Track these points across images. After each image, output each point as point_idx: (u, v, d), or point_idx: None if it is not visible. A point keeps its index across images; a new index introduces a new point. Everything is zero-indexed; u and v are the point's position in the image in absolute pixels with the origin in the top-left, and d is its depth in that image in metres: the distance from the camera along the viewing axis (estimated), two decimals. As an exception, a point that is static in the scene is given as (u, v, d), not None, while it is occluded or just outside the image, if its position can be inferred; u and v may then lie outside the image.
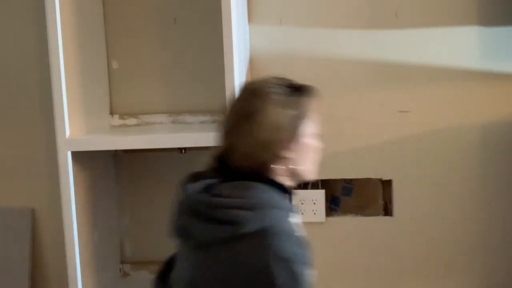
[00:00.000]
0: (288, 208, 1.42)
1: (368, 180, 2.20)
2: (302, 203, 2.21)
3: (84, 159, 1.98)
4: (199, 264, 1.38)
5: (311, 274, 1.36)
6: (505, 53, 2.10)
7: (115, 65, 2.24)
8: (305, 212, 2.21)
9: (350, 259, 2.22)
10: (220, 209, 1.33)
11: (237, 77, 1.84)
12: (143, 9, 2.20)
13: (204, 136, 1.86)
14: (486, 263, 2.17)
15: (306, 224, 2.22)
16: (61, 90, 1.89)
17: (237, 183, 1.36)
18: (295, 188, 1.47)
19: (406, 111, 2.15)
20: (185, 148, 2.07)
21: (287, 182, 1.43)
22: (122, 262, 2.31)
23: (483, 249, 2.17)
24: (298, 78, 2.18)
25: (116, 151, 2.23)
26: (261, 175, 1.38)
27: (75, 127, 1.95)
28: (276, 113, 1.36)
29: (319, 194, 2.21)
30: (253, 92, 1.41)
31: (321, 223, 2.22)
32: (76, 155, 1.92)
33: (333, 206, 2.23)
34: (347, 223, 2.22)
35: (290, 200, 1.46)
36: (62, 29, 1.87)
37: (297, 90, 1.42)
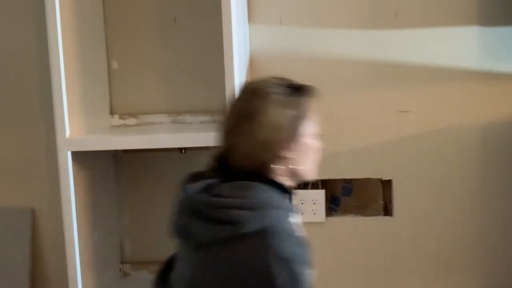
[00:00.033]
0: (288, 208, 1.42)
1: (368, 180, 2.20)
2: (302, 203, 2.21)
3: (84, 159, 1.98)
4: (199, 264, 1.38)
5: (311, 274, 1.35)
6: (505, 53, 2.10)
7: (115, 65, 2.24)
8: (305, 212, 2.21)
9: (350, 259, 2.22)
10: (220, 209, 1.33)
11: (237, 77, 1.84)
12: (143, 9, 2.20)
13: (204, 136, 1.86)
14: (486, 263, 2.17)
15: (306, 224, 2.22)
16: (61, 90, 1.89)
17: (237, 183, 1.36)
18: (295, 188, 1.47)
19: (406, 111, 2.15)
20: (185, 148, 2.07)
21: (287, 182, 1.43)
22: (122, 262, 2.31)
23: (483, 249, 2.17)
24: (298, 78, 2.18)
25: (116, 151, 2.23)
26: (261, 175, 1.38)
27: (75, 127, 1.95)
28: (276, 113, 1.36)
29: (319, 194, 2.21)
30: (253, 92, 1.41)
31: (321, 223, 2.22)
32: (76, 155, 1.92)
33: (333, 206, 2.23)
34: (347, 223, 2.22)
35: (290, 200, 1.46)
36: (62, 29, 1.87)
37: (297, 90, 1.42)
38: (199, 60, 2.18)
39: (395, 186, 2.18)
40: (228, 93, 1.79)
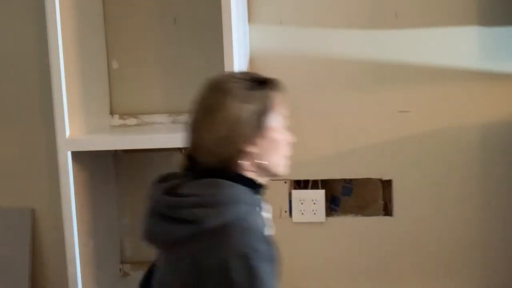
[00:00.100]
0: (256, 203, 1.40)
1: (368, 180, 2.20)
2: (302, 203, 2.21)
3: (84, 159, 1.98)
4: (166, 265, 1.39)
5: (274, 272, 1.34)
6: (505, 53, 2.10)
7: (115, 65, 2.24)
8: (305, 212, 2.21)
9: (350, 259, 2.22)
10: (180, 208, 1.33)
11: (237, 77, 1.84)
12: (143, 9, 2.20)
13: (204, 136, 1.86)
14: (486, 263, 2.17)
15: (306, 224, 2.24)
16: (61, 90, 1.88)
17: (204, 180, 1.36)
18: (266, 183, 1.46)
19: (406, 111, 2.15)
20: (185, 148, 2.07)
21: (257, 177, 1.41)
22: (122, 262, 2.31)
23: (483, 249, 2.17)
24: (298, 78, 2.19)
25: (116, 151, 2.23)
26: (227, 171, 1.37)
27: (75, 127, 1.95)
28: (236, 107, 1.35)
29: (319, 194, 2.21)
30: (215, 87, 1.40)
31: (321, 223, 2.22)
32: (76, 155, 1.92)
33: (333, 206, 2.23)
34: (347, 223, 2.22)
35: (260, 194, 1.44)
36: (62, 29, 1.87)
37: (260, 84, 1.40)
38: (199, 60, 2.18)
39: (395, 186, 2.18)
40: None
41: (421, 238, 2.19)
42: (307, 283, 2.25)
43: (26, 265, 2.26)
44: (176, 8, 2.19)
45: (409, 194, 2.18)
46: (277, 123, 1.40)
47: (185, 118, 2.18)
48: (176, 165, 1.43)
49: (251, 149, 1.36)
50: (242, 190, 1.37)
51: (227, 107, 1.35)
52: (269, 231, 1.42)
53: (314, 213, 2.21)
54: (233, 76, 1.43)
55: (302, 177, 2.22)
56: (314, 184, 2.22)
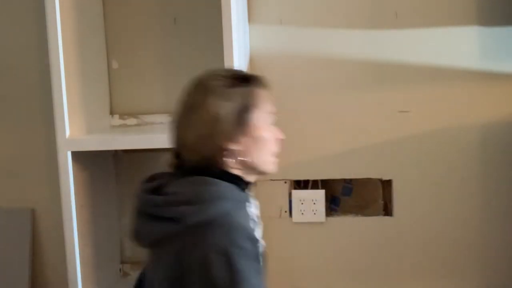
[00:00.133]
0: (243, 200, 1.40)
1: (368, 180, 2.20)
2: (302, 203, 2.21)
3: (84, 159, 1.98)
4: (153, 264, 1.39)
5: (258, 270, 1.33)
6: (505, 53, 2.10)
7: (115, 65, 2.24)
8: (305, 212, 2.21)
9: (350, 259, 2.22)
10: (163, 207, 1.34)
11: (237, 77, 1.84)
12: (143, 9, 2.20)
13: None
14: (486, 263, 2.17)
15: (306, 224, 2.24)
16: (61, 90, 1.89)
17: (188, 178, 1.36)
18: (255, 180, 1.46)
19: (406, 111, 2.15)
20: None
21: (243, 174, 1.41)
22: (122, 262, 2.31)
23: (483, 249, 2.17)
24: (298, 78, 2.19)
25: (116, 151, 2.23)
26: (213, 168, 1.37)
27: (75, 127, 1.95)
28: (216, 105, 1.35)
29: (319, 194, 2.21)
30: (196, 85, 1.41)
31: (321, 223, 2.22)
32: (76, 155, 1.92)
33: (333, 206, 2.23)
34: (347, 223, 2.22)
35: (248, 191, 1.44)
36: (62, 29, 1.87)
37: (242, 81, 1.40)
38: (199, 60, 2.18)
39: (395, 186, 2.18)
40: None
41: (421, 238, 2.19)
42: (307, 283, 2.25)
43: (26, 265, 2.26)
44: (176, 8, 2.19)
45: (409, 194, 2.18)
46: (260, 120, 1.40)
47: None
48: (165, 164, 1.44)
49: (233, 146, 1.36)
50: (227, 187, 1.36)
51: (207, 105, 1.35)
52: (256, 228, 1.42)
53: (314, 213, 2.21)
54: (215, 73, 1.42)
55: (302, 177, 2.22)
56: (314, 184, 2.22)
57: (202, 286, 1.29)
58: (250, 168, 1.41)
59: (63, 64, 1.88)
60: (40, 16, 2.05)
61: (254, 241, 1.33)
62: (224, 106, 1.35)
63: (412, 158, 2.17)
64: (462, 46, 2.11)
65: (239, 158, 1.38)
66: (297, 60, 2.17)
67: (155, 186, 1.40)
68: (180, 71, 2.20)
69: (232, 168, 1.38)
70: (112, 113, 2.25)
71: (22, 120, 2.28)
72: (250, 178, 1.43)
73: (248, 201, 1.43)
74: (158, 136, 1.98)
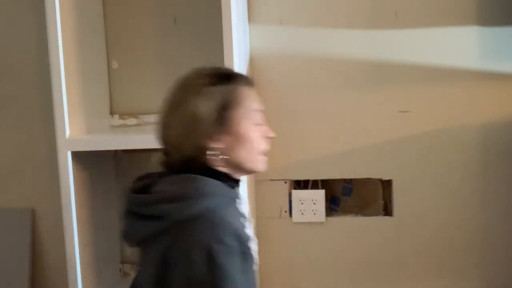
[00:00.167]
0: (229, 197, 1.39)
1: (368, 180, 2.20)
2: (302, 203, 2.21)
3: (84, 159, 1.98)
4: (141, 262, 1.40)
5: (244, 268, 1.31)
6: (505, 53, 2.10)
7: (115, 65, 2.24)
8: (305, 212, 2.21)
9: (350, 259, 2.22)
10: (148, 205, 1.34)
11: (237, 77, 1.84)
12: (143, 9, 2.21)
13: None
14: (486, 263, 2.17)
15: (306, 224, 2.23)
16: (61, 90, 1.89)
17: (174, 177, 1.37)
18: (241, 178, 1.45)
19: (406, 111, 2.15)
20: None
21: (231, 172, 1.41)
22: (122, 262, 2.31)
23: (483, 249, 2.17)
24: (298, 78, 2.19)
25: (116, 151, 2.23)
26: (199, 166, 1.37)
27: (75, 127, 1.95)
28: (195, 104, 1.36)
29: (319, 194, 2.21)
30: (179, 84, 1.42)
31: (321, 223, 2.22)
32: (76, 155, 1.92)
33: (333, 206, 2.23)
34: (347, 223, 2.22)
35: (236, 188, 1.44)
36: (62, 29, 1.87)
37: (225, 79, 1.40)
38: (199, 60, 2.17)
39: (395, 186, 2.18)
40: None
41: (421, 238, 2.19)
42: (307, 283, 2.25)
43: (26, 265, 2.26)
44: (176, 8, 2.19)
45: (409, 194, 2.18)
46: (243, 118, 1.39)
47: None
48: (157, 163, 1.44)
49: (215, 144, 1.36)
50: (214, 184, 1.36)
51: (187, 104, 1.36)
52: (247, 225, 1.42)
53: (314, 213, 2.21)
54: (199, 72, 1.42)
55: (302, 177, 2.22)
56: (314, 184, 2.22)
57: (183, 281, 1.28)
58: (235, 166, 1.40)
59: (63, 64, 1.88)
60: (40, 16, 2.06)
61: (242, 238, 1.32)
62: (204, 105, 1.36)
63: (412, 158, 2.17)
64: (462, 46, 2.11)
65: (221, 157, 1.37)
66: (297, 60, 2.17)
67: (143, 185, 1.40)
68: (180, 71, 2.18)
69: (218, 166, 1.38)
70: (112, 113, 2.25)
71: (22, 120, 2.28)
72: (238, 175, 1.43)
73: (238, 198, 1.42)
74: (158, 136, 1.98)
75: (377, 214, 2.21)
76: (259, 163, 1.43)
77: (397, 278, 2.21)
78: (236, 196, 1.42)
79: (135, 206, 1.37)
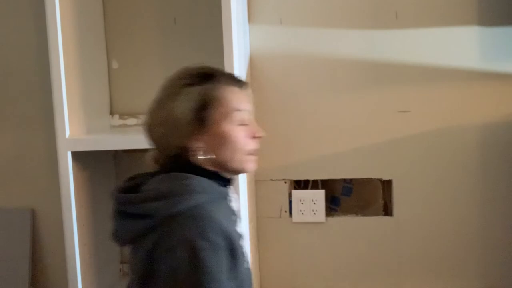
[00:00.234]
0: (218, 194, 1.39)
1: (368, 180, 2.20)
2: (302, 203, 2.21)
3: (84, 159, 1.98)
4: (129, 261, 1.40)
5: (231, 266, 1.30)
6: (505, 53, 2.10)
7: (115, 65, 2.24)
8: (305, 212, 2.21)
9: (350, 259, 2.22)
10: (135, 204, 1.34)
11: (237, 77, 1.84)
12: (143, 9, 2.21)
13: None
14: (486, 263, 2.17)
15: (306, 224, 2.23)
16: (61, 90, 1.89)
17: (164, 175, 1.37)
18: (232, 176, 1.44)
19: (406, 111, 2.15)
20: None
21: (219, 170, 1.40)
22: (122, 262, 2.31)
23: (483, 249, 2.17)
24: (298, 78, 2.19)
25: (116, 151, 2.23)
26: (186, 165, 1.37)
27: (75, 127, 1.95)
28: (174, 104, 1.36)
29: (319, 194, 2.21)
30: (164, 84, 1.43)
31: (321, 223, 2.22)
32: (76, 155, 1.93)
33: (333, 206, 2.23)
34: (347, 223, 2.22)
35: (228, 186, 1.44)
36: (62, 29, 1.87)
37: (206, 79, 1.39)
38: (199, 60, 2.16)
39: (395, 186, 2.18)
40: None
41: (421, 238, 2.19)
42: (307, 283, 2.25)
43: (26, 265, 2.26)
44: (176, 8, 2.19)
45: (409, 194, 2.18)
46: (224, 118, 1.37)
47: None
48: (150, 163, 1.45)
49: (195, 144, 1.36)
50: (202, 182, 1.35)
51: (166, 105, 1.38)
52: (238, 223, 1.41)
53: (314, 213, 2.21)
54: (182, 72, 1.43)
55: (302, 177, 2.22)
56: (314, 184, 2.22)
57: (167, 277, 1.28)
58: (221, 166, 1.39)
59: (63, 64, 1.88)
60: (40, 16, 2.05)
61: (230, 236, 1.31)
62: (181, 105, 1.36)
63: (412, 158, 2.17)
64: (462, 46, 2.11)
65: (204, 156, 1.37)
66: (297, 60, 2.17)
67: (132, 185, 1.41)
68: (180, 71, 2.20)
69: (204, 164, 1.38)
70: (112, 113, 2.25)
71: (22, 120, 2.28)
72: (228, 175, 1.42)
73: (228, 196, 1.42)
74: (158, 136, 1.98)
75: (377, 214, 2.21)
76: (246, 163, 1.41)
77: (397, 278, 2.21)
78: (226, 194, 1.42)
79: (123, 206, 1.38)
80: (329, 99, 2.17)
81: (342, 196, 2.22)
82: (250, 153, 1.41)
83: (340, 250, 2.23)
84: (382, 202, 2.20)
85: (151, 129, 1.40)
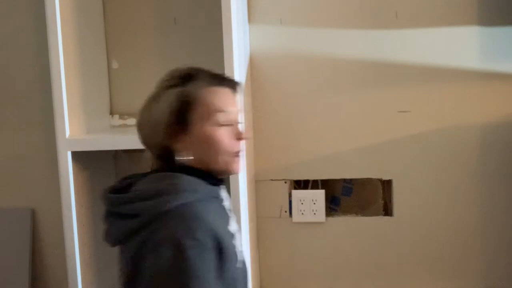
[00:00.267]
0: (208, 193, 1.38)
1: (368, 180, 2.20)
2: (302, 203, 2.21)
3: (84, 159, 1.98)
4: (119, 261, 1.41)
5: (212, 264, 1.30)
6: (505, 53, 2.10)
7: (115, 65, 2.24)
8: (305, 212, 2.21)
9: (350, 259, 2.22)
10: (124, 204, 1.35)
11: (237, 77, 1.84)
12: (143, 9, 2.20)
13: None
14: (486, 263, 2.17)
15: (306, 224, 2.23)
16: (61, 90, 1.89)
17: (154, 175, 1.39)
18: (223, 176, 1.44)
19: (406, 111, 2.15)
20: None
21: (207, 170, 1.40)
22: (122, 262, 2.30)
23: (483, 248, 2.17)
24: (298, 78, 2.19)
25: (116, 151, 2.23)
26: (177, 164, 1.38)
27: (75, 127, 1.95)
28: (156, 106, 1.39)
29: (319, 194, 2.21)
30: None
31: (321, 223, 2.22)
32: (76, 155, 1.93)
33: (333, 206, 2.23)
34: (347, 223, 2.22)
35: (220, 185, 1.44)
36: (62, 29, 1.87)
37: (187, 80, 1.40)
38: (199, 60, 2.17)
39: (395, 186, 2.18)
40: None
41: (421, 238, 2.19)
42: (307, 283, 2.25)
43: (26, 265, 2.26)
44: (176, 8, 2.19)
45: (409, 194, 2.18)
46: (204, 119, 1.37)
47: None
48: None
49: (176, 145, 1.37)
50: (190, 181, 1.35)
51: (150, 106, 1.41)
52: (230, 222, 1.41)
53: (314, 213, 2.21)
54: (167, 74, 1.44)
55: (302, 177, 2.22)
56: (314, 184, 2.22)
57: (149, 275, 1.28)
58: (205, 166, 1.39)
59: (63, 64, 1.88)
60: (40, 16, 2.05)
61: (218, 236, 1.31)
62: (160, 107, 1.38)
63: (412, 158, 2.17)
64: (462, 46, 2.11)
65: (186, 157, 1.37)
66: (297, 60, 2.17)
67: (124, 185, 1.41)
68: (180, 71, 2.20)
69: (193, 164, 1.38)
70: (112, 113, 2.25)
71: (22, 120, 2.28)
72: (215, 174, 1.41)
73: (218, 196, 1.42)
74: (158, 136, 1.98)
75: (377, 214, 2.21)
76: (231, 164, 1.40)
77: (397, 278, 2.21)
78: (216, 194, 1.42)
79: (113, 206, 1.38)
80: (329, 99, 2.17)
81: (342, 196, 2.22)
82: (235, 155, 1.40)
83: (340, 250, 2.23)
84: (382, 202, 2.20)
85: (139, 129, 1.43)
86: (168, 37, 2.20)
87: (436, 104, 2.14)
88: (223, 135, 1.38)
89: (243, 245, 1.83)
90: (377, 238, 2.21)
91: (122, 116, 2.24)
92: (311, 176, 2.21)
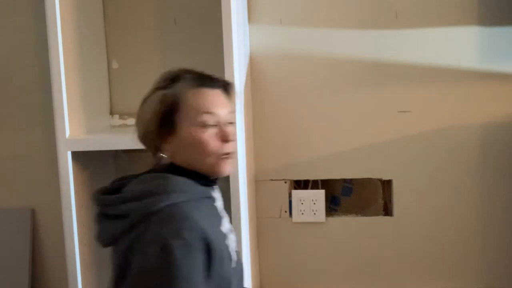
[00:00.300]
0: (198, 194, 1.38)
1: (368, 180, 2.20)
2: (302, 203, 2.21)
3: (84, 159, 1.98)
4: (112, 263, 1.41)
5: (200, 264, 1.29)
6: (505, 53, 2.10)
7: (115, 65, 2.24)
8: (305, 212, 2.21)
9: (350, 259, 2.22)
10: (114, 205, 1.36)
11: (237, 77, 1.84)
12: (143, 9, 2.20)
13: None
14: (486, 263, 2.17)
15: (306, 224, 2.23)
16: (61, 90, 1.89)
17: (145, 176, 1.40)
18: (216, 177, 1.44)
19: (406, 111, 2.15)
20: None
21: (197, 171, 1.40)
22: (122, 262, 2.30)
23: (483, 248, 2.17)
24: (298, 78, 2.19)
25: (116, 151, 2.23)
26: (169, 165, 1.39)
27: (75, 127, 1.95)
28: (143, 108, 1.42)
29: (319, 194, 2.21)
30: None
31: (321, 223, 2.22)
32: (76, 155, 1.93)
33: (333, 206, 2.23)
34: (347, 223, 2.22)
35: (212, 186, 1.44)
36: (62, 29, 1.87)
37: (174, 81, 1.41)
38: (199, 60, 2.18)
39: (395, 186, 2.18)
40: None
41: (421, 238, 2.19)
42: (307, 283, 2.25)
43: (26, 265, 2.26)
44: (176, 8, 2.19)
45: (409, 194, 2.18)
46: (188, 120, 1.38)
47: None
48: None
49: (165, 146, 1.39)
50: (180, 181, 1.36)
51: (141, 107, 1.44)
52: (222, 222, 1.41)
53: (314, 213, 2.21)
54: (161, 75, 1.45)
55: (302, 177, 2.22)
56: (314, 184, 2.22)
57: (136, 274, 1.29)
58: (192, 167, 1.39)
59: (63, 64, 1.88)
60: (40, 15, 2.05)
61: (207, 236, 1.30)
62: (150, 107, 1.40)
63: (412, 158, 2.17)
64: (462, 46, 2.11)
65: (172, 159, 1.39)
66: (297, 60, 2.17)
67: (116, 186, 1.42)
68: (180, 71, 2.20)
69: (180, 165, 1.39)
70: (112, 113, 2.25)
71: (22, 120, 2.28)
72: (206, 175, 1.41)
73: (209, 196, 1.42)
74: (158, 136, 1.98)
75: (377, 214, 2.21)
76: (217, 166, 1.39)
77: (397, 278, 2.21)
78: (207, 194, 1.41)
79: (103, 207, 1.39)
80: (329, 99, 2.17)
81: (342, 196, 2.22)
82: (223, 156, 1.39)
83: (340, 250, 2.23)
84: (382, 202, 2.20)
85: (135, 128, 1.46)
86: (168, 37, 2.20)
87: (436, 104, 2.14)
88: (209, 137, 1.38)
89: (241, 245, 1.83)
90: (377, 238, 2.21)
91: (122, 116, 2.24)
92: (311, 176, 2.21)
